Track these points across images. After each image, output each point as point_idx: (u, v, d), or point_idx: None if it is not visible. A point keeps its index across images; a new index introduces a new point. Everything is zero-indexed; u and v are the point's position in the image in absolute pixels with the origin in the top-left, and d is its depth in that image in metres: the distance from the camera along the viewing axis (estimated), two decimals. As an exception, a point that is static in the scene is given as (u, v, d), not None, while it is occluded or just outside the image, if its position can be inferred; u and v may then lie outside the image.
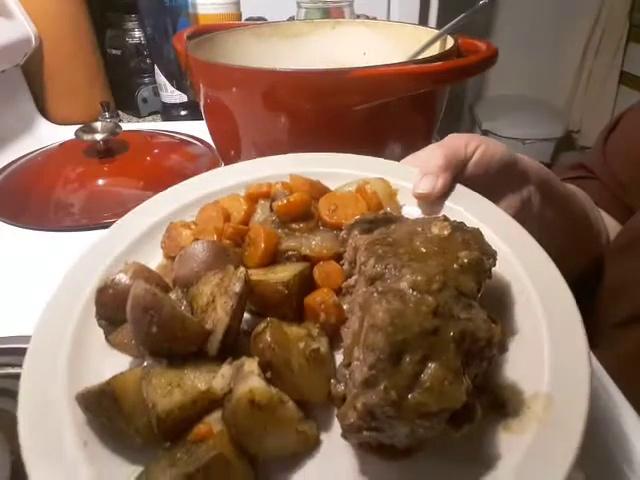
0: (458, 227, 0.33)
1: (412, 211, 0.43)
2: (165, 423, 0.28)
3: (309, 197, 0.41)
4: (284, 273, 0.35)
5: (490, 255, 0.32)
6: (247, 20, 1.02)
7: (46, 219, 0.69)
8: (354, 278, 0.34)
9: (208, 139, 0.77)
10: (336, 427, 0.29)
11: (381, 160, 0.47)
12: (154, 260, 0.41)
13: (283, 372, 0.29)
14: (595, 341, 0.53)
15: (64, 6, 0.98)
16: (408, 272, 0.27)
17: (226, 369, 0.29)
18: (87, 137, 0.73)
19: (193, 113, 1.04)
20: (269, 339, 0.29)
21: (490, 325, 0.27)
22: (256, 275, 0.35)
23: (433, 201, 0.42)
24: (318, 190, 0.43)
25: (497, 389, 0.30)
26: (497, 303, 0.34)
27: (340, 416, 0.27)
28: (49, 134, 0.96)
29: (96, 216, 0.68)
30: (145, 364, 0.30)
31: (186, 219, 0.43)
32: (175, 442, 0.28)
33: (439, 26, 0.66)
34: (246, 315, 0.35)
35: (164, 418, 0.28)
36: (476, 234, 0.33)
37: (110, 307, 0.34)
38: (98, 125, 0.76)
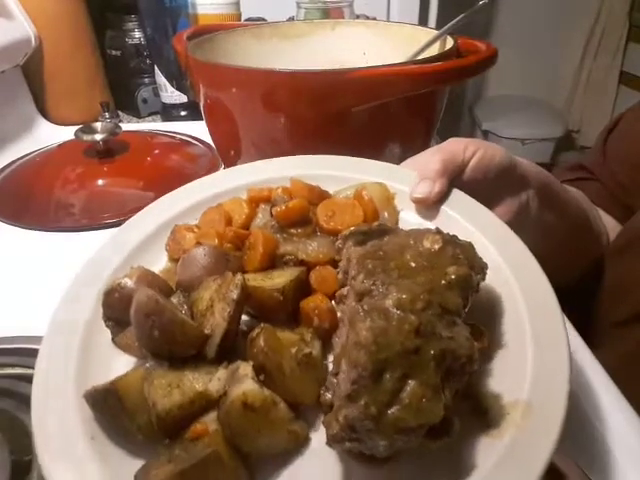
0: (450, 241, 0.33)
1: (409, 216, 0.43)
2: (165, 421, 0.29)
3: (307, 203, 0.42)
4: (280, 279, 0.36)
5: (479, 270, 0.32)
6: (247, 20, 1.02)
7: (46, 219, 0.69)
8: (346, 288, 0.35)
9: (208, 139, 0.77)
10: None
11: (380, 163, 0.47)
12: (160, 262, 0.42)
13: (275, 375, 0.30)
14: (595, 341, 0.53)
15: (64, 6, 0.98)
16: (394, 290, 0.28)
17: (222, 372, 0.31)
18: (87, 137, 0.74)
19: (193, 113, 1.04)
20: (262, 344, 0.30)
21: (472, 343, 0.28)
22: (253, 280, 0.36)
23: (430, 205, 0.42)
24: (317, 195, 0.43)
25: (480, 396, 0.31)
26: (486, 312, 0.35)
27: (325, 424, 0.28)
28: (49, 134, 0.97)
29: (96, 216, 0.68)
30: (147, 365, 0.32)
31: (190, 222, 0.44)
32: (174, 439, 0.30)
33: (439, 26, 0.66)
34: (245, 317, 0.36)
35: (164, 417, 0.29)
36: (467, 248, 0.33)
37: (117, 309, 0.35)
38: (98, 125, 0.76)
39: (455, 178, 0.44)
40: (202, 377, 0.31)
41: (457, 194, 0.43)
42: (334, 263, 0.39)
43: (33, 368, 0.33)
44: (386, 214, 0.43)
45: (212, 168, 0.80)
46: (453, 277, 0.30)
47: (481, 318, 0.33)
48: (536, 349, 0.32)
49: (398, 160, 0.47)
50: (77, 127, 0.76)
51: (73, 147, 0.80)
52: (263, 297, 0.35)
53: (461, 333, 0.28)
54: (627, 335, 0.58)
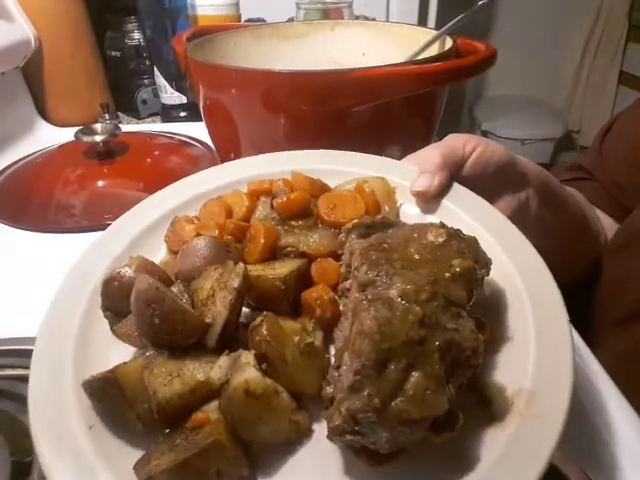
0: (454, 234, 0.33)
1: (410, 209, 0.43)
2: (165, 410, 0.29)
3: (309, 195, 0.42)
4: (282, 269, 0.36)
5: (484, 264, 0.32)
6: (246, 21, 1.02)
7: (46, 221, 0.69)
8: (349, 282, 0.35)
9: (208, 140, 0.77)
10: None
11: (381, 158, 0.47)
12: (158, 254, 0.42)
13: (278, 364, 0.30)
14: (594, 339, 0.53)
15: (63, 8, 0.98)
16: (399, 280, 0.28)
17: (224, 360, 0.31)
18: (87, 139, 0.74)
19: (193, 114, 1.04)
20: (265, 332, 0.30)
21: (477, 335, 0.28)
22: (255, 270, 0.36)
23: (430, 199, 0.43)
24: (318, 188, 0.43)
25: (484, 387, 0.31)
26: (488, 305, 0.35)
27: (327, 418, 0.28)
28: (49, 136, 0.97)
29: (96, 217, 0.68)
30: (147, 354, 0.31)
31: (189, 214, 0.44)
32: (174, 429, 0.30)
33: (438, 27, 0.66)
34: (245, 309, 0.36)
35: (164, 405, 0.29)
36: (471, 242, 0.33)
37: (115, 299, 0.35)
38: (98, 127, 0.76)
39: (455, 173, 0.44)
40: (203, 366, 0.30)
41: (457, 188, 0.43)
42: (335, 255, 0.39)
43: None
44: (387, 208, 0.43)
45: (212, 169, 0.80)
46: (458, 270, 0.30)
47: (484, 311, 0.33)
48: (539, 339, 0.32)
49: (398, 160, 0.47)
50: (77, 128, 0.76)
51: (73, 148, 0.80)
52: (265, 286, 0.35)
53: (466, 326, 0.28)
54: (625, 333, 0.58)
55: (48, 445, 0.29)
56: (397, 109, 0.56)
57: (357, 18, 0.96)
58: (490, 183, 0.46)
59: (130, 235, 0.42)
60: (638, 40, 2.72)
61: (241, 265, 0.33)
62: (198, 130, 0.87)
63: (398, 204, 0.44)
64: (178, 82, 0.99)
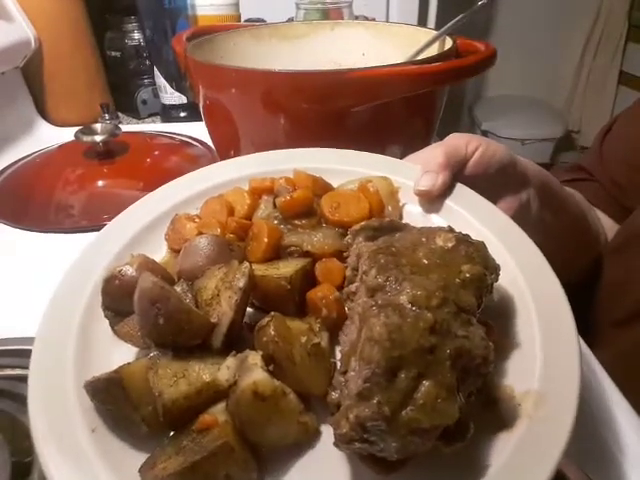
0: (462, 239, 0.32)
1: (413, 209, 0.43)
2: (171, 412, 0.29)
3: (312, 194, 0.41)
4: (287, 269, 0.35)
5: (493, 270, 0.32)
6: (246, 21, 1.02)
7: (46, 221, 0.69)
8: (355, 285, 0.34)
9: (208, 140, 0.77)
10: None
11: (384, 157, 0.47)
12: (159, 252, 0.41)
13: (285, 365, 0.30)
14: (594, 340, 0.53)
15: (63, 8, 0.98)
16: (408, 286, 0.27)
17: (231, 361, 0.30)
18: (87, 139, 0.74)
19: (192, 114, 1.04)
20: (273, 333, 0.30)
21: (487, 343, 0.27)
22: (259, 270, 0.35)
23: (433, 199, 0.42)
24: (321, 187, 0.43)
25: (491, 389, 0.31)
26: (494, 308, 0.35)
27: (333, 424, 0.27)
28: (49, 136, 0.97)
29: (96, 218, 0.68)
30: (151, 355, 0.31)
31: (190, 212, 0.43)
32: (179, 431, 0.29)
33: (438, 27, 0.66)
34: (249, 309, 0.35)
35: (170, 407, 0.28)
36: (480, 247, 0.32)
37: (116, 297, 0.35)
38: (98, 127, 0.76)
39: (457, 173, 0.44)
40: (209, 367, 0.30)
41: (460, 188, 0.43)
42: (339, 255, 0.38)
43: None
44: (390, 208, 0.42)
45: (212, 169, 0.80)
46: (468, 275, 0.29)
47: (490, 314, 0.32)
48: (545, 341, 0.32)
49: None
50: (77, 128, 0.76)
51: (73, 148, 0.80)
52: (270, 286, 0.34)
53: (476, 333, 0.27)
54: (625, 334, 0.58)
55: (50, 449, 0.28)
56: (397, 109, 0.56)
57: (357, 18, 0.96)
58: (491, 183, 0.46)
59: (130, 233, 0.41)
60: (638, 40, 2.72)
61: (246, 264, 0.32)
62: (198, 130, 0.87)
63: (401, 204, 0.43)
64: (178, 82, 0.99)
